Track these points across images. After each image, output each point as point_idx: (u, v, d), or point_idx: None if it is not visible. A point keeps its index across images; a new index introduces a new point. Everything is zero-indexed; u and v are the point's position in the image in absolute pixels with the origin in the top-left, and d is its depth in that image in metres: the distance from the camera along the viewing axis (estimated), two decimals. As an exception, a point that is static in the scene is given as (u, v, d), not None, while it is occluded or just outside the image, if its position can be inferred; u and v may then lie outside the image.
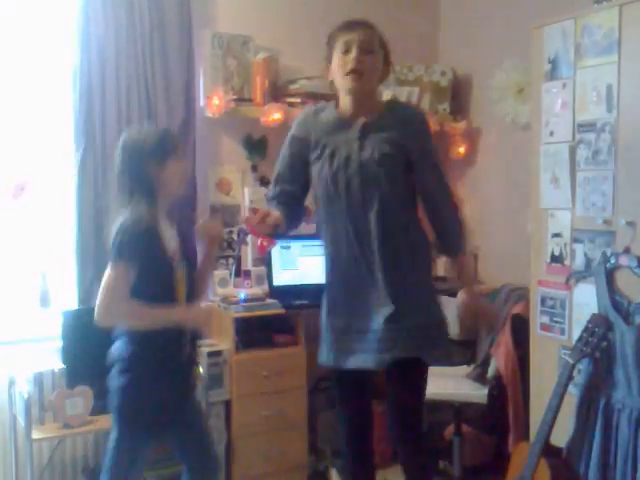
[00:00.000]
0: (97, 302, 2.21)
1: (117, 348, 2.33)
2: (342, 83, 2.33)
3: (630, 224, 2.60)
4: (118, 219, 2.26)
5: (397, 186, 2.33)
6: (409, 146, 2.34)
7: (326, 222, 2.41)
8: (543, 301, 3.00)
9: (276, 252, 3.61)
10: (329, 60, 2.36)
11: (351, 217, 2.33)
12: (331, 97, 2.41)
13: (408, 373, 2.36)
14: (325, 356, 2.46)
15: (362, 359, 2.34)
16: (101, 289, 2.22)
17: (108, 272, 2.22)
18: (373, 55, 2.31)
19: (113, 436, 2.36)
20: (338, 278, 2.41)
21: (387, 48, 2.40)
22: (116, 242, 2.21)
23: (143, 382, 2.30)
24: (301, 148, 2.43)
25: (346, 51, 2.29)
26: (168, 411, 2.36)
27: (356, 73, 2.27)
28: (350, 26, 2.32)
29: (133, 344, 2.29)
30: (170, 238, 2.36)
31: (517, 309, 3.33)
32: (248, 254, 3.75)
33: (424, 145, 2.39)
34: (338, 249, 2.38)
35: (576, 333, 2.73)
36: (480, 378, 3.36)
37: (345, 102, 2.37)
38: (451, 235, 2.48)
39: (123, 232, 2.21)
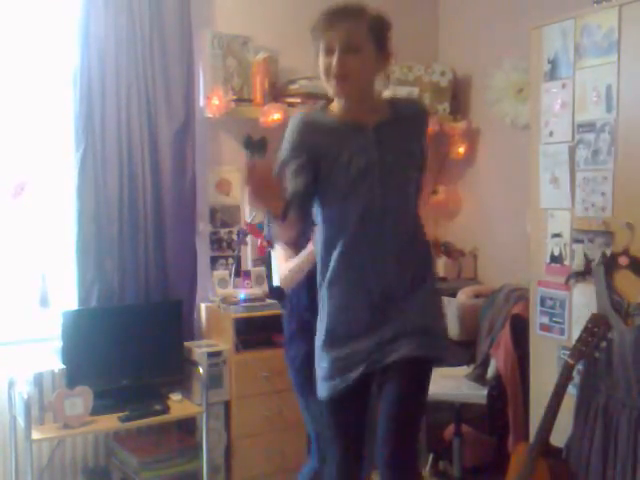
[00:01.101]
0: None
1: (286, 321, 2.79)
2: (328, 87, 2.12)
3: (629, 225, 2.60)
4: None
5: (414, 187, 2.22)
6: (418, 144, 2.24)
7: (334, 224, 2.19)
8: (543, 301, 3.00)
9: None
10: (317, 57, 2.13)
11: (368, 220, 2.14)
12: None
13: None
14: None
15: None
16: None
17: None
18: (359, 53, 2.06)
19: (303, 407, 2.67)
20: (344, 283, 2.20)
21: (382, 35, 2.14)
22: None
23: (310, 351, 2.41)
24: (308, 157, 2.16)
25: (329, 51, 2.06)
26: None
27: (339, 78, 2.06)
28: (332, 21, 2.07)
29: (297, 320, 2.71)
30: None
31: (517, 309, 3.32)
32: (248, 254, 3.75)
33: (424, 145, 2.29)
34: (345, 256, 2.17)
35: (575, 333, 2.73)
36: (480, 378, 3.36)
37: (339, 105, 2.17)
38: None
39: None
